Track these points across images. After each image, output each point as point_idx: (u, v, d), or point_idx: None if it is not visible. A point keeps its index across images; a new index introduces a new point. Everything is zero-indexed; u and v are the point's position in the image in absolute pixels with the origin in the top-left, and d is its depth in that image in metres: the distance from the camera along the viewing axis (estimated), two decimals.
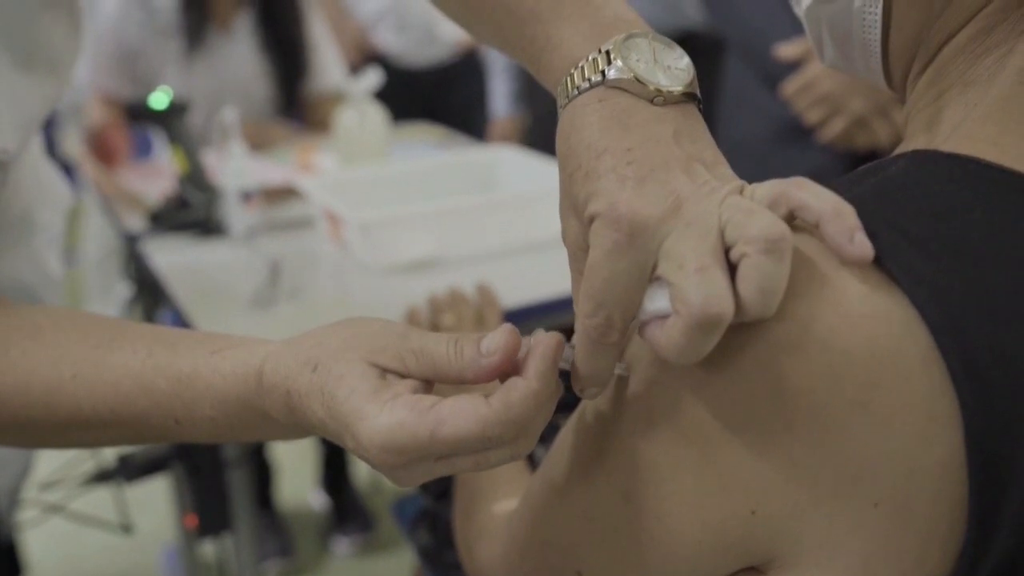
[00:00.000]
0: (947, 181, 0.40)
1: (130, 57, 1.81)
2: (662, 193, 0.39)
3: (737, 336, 0.38)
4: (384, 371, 0.43)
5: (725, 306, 0.36)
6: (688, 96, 0.43)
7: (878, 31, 0.45)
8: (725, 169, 0.42)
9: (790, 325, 0.38)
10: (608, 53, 0.43)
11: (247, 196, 1.32)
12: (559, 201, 0.45)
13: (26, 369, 0.50)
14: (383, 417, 0.40)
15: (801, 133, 1.42)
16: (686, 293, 0.37)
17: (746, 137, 1.52)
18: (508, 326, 0.43)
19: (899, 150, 0.47)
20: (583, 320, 0.40)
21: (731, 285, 0.37)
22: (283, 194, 1.49)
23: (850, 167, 1.41)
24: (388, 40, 2.52)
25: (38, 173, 0.95)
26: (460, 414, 0.39)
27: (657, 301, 0.39)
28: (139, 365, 0.49)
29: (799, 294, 0.38)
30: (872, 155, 1.39)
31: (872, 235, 0.38)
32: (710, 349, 0.37)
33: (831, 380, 0.37)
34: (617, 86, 0.43)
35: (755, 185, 0.41)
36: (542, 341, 0.42)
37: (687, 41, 1.85)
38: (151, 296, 1.43)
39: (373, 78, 1.57)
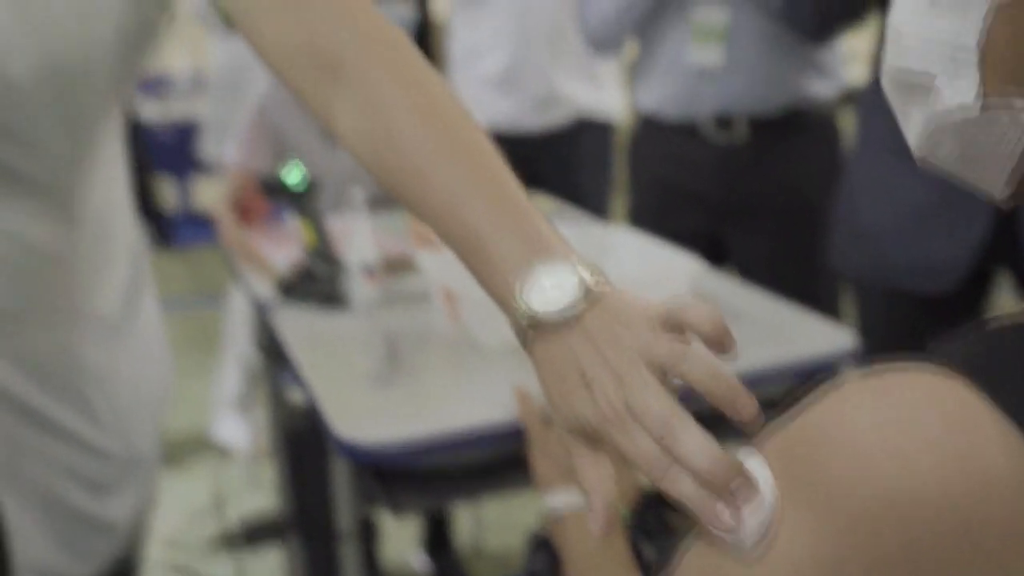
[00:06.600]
0: None
1: (276, 135, 1.89)
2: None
3: (875, 498, 0.38)
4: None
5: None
6: (590, 294, 0.56)
7: (1020, 148, 0.44)
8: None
9: (929, 489, 0.37)
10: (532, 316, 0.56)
11: (370, 271, 1.37)
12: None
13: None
14: None
15: (936, 218, 1.37)
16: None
17: (871, 225, 1.47)
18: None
19: None
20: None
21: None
22: (400, 265, 1.54)
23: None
24: (500, 108, 2.46)
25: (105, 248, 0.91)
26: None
27: None
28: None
29: (940, 460, 0.38)
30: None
31: (1013, 393, 0.38)
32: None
33: (967, 549, 0.37)
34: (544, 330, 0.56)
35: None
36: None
37: (795, 121, 1.81)
38: (276, 362, 1.49)
39: None
